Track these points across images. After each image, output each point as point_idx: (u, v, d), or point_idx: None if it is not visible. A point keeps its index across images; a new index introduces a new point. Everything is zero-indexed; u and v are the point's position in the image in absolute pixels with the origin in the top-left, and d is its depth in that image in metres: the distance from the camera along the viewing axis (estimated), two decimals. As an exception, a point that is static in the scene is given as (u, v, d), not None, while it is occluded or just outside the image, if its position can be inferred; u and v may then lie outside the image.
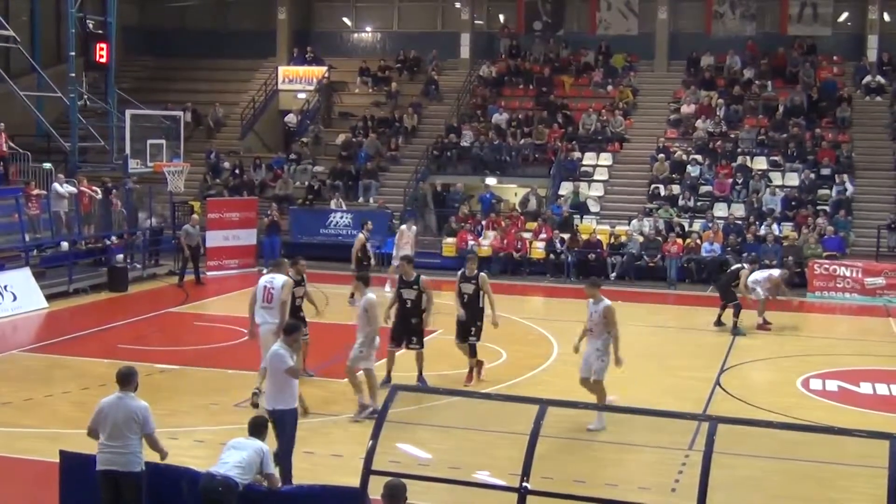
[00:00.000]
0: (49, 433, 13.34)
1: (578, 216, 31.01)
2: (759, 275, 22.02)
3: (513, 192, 34.00)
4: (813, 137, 32.67)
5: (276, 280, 15.10)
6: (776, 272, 22.83)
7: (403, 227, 26.66)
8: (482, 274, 16.85)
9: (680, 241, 28.89)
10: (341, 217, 31.03)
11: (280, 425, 11.13)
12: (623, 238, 29.29)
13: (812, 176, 31.09)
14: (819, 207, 30.04)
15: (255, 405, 11.50)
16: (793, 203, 30.21)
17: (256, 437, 9.81)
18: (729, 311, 21.58)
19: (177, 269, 27.56)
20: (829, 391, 17.07)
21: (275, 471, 9.85)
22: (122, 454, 9.59)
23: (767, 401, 15.87)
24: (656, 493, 11.51)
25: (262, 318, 15.00)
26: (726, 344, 20.41)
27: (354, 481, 8.92)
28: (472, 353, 16.63)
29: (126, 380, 9.89)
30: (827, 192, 30.72)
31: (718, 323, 21.83)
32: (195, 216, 28.27)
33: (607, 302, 14.32)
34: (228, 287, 26.23)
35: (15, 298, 22.36)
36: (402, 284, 16.17)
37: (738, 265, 22.56)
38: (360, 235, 24.44)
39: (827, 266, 26.81)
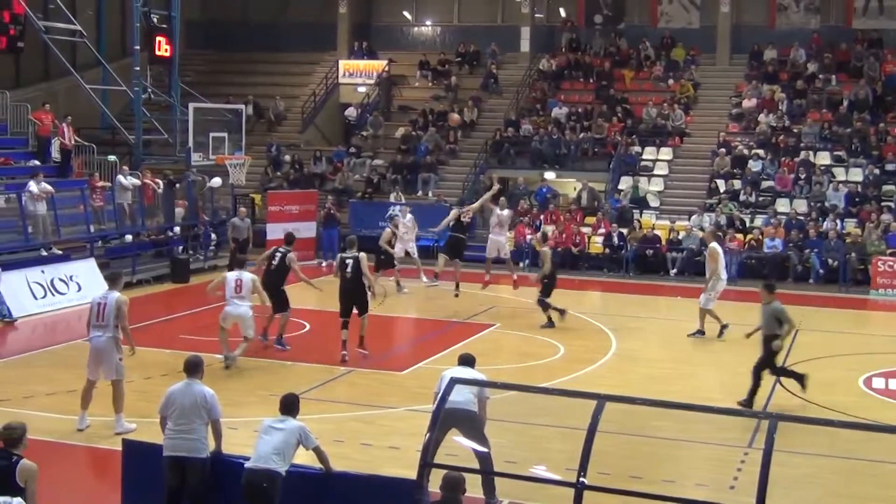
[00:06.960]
0: (112, 421, 13.52)
1: (638, 211, 30.83)
2: None
3: (572, 187, 33.86)
4: (877, 132, 32.16)
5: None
6: None
7: (398, 214, 27.15)
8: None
9: (739, 236, 28.59)
10: (400, 210, 31.08)
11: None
12: (682, 233, 29.07)
13: (876, 171, 30.61)
14: (883, 203, 29.54)
15: None
16: (856, 199, 29.75)
17: (289, 416, 9.70)
18: None
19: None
20: (892, 390, 16.82)
21: (318, 442, 9.70)
22: (189, 440, 9.76)
23: (828, 399, 15.67)
24: (714, 490, 11.43)
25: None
26: (786, 341, 20.12)
27: (411, 474, 8.97)
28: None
29: (193, 368, 10.17)
30: (891, 187, 30.16)
31: None
32: (242, 209, 28.00)
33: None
34: (288, 279, 26.32)
35: (80, 288, 22.73)
36: None
37: None
38: (388, 229, 25.32)
39: (891, 263, 26.36)
